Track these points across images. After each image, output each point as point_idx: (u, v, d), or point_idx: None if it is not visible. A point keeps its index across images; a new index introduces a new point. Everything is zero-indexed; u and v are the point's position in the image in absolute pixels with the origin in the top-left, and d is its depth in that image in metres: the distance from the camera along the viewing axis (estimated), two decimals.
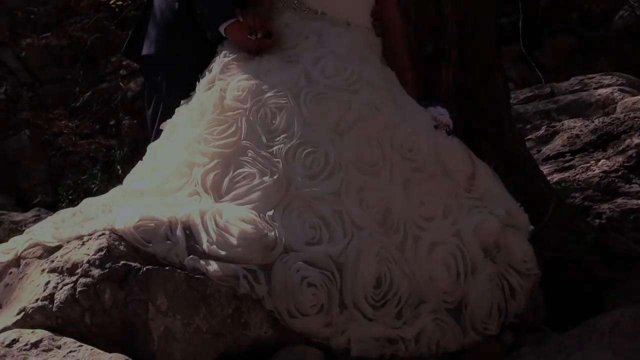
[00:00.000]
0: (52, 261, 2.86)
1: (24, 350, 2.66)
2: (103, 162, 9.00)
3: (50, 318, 2.76)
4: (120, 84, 10.22)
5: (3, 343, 2.66)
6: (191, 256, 2.84)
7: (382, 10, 3.79)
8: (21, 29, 10.43)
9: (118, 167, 8.55)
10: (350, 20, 3.62)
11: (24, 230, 3.36)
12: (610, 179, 5.19)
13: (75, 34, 10.65)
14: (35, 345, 2.67)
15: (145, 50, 3.74)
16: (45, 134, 9.50)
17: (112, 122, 9.84)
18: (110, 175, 8.51)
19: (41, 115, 9.73)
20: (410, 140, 3.31)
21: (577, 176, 5.32)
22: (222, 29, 3.47)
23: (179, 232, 2.88)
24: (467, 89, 4.42)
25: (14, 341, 2.68)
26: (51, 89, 10.14)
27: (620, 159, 5.34)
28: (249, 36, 3.43)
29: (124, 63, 10.09)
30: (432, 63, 4.38)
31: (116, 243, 2.84)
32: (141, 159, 3.49)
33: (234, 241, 2.87)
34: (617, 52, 10.76)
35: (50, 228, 3.04)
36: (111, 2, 11.11)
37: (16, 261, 3.01)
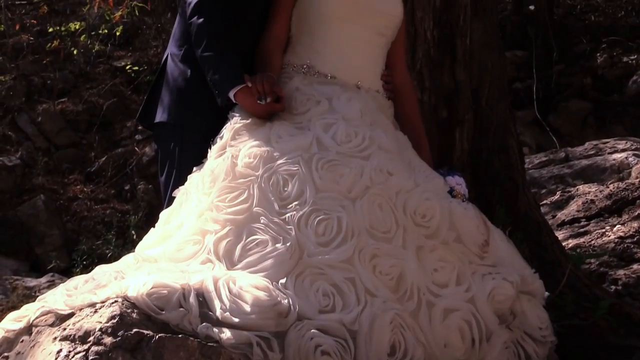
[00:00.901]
0: (64, 329, 2.83)
1: None
2: (118, 227, 9.01)
3: None
4: (136, 148, 10.29)
5: None
6: (204, 324, 2.81)
7: (392, 74, 3.82)
8: (37, 95, 10.55)
9: (133, 232, 8.55)
10: (361, 83, 3.64)
11: (37, 296, 3.35)
12: (625, 245, 5.16)
13: (91, 99, 10.76)
14: None
15: (158, 117, 3.76)
16: (60, 199, 9.55)
17: (127, 187, 9.88)
18: (125, 240, 8.51)
19: (56, 180, 9.79)
20: (423, 206, 3.30)
21: (593, 242, 5.29)
22: (231, 94, 3.48)
23: (192, 299, 2.85)
24: (482, 154, 4.43)
25: None
26: (66, 154, 10.22)
27: (635, 224, 5.31)
28: (258, 101, 3.43)
29: (139, 128, 10.17)
30: (446, 128, 4.40)
31: (129, 310, 2.81)
32: (155, 225, 3.49)
33: (247, 308, 2.85)
34: (631, 116, 10.81)
35: (63, 295, 3.02)
36: (127, 67, 11.24)
37: (28, 329, 2.99)
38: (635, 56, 11.47)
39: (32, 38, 10.71)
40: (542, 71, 11.45)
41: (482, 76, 4.53)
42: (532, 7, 12.81)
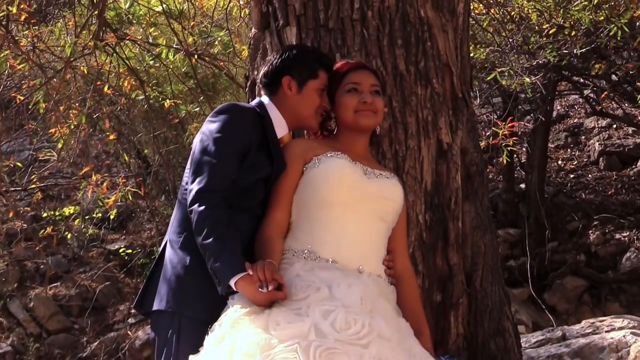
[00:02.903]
0: None
1: None
2: None
3: None
4: (129, 332, 10.19)
5: None
6: None
7: (394, 259, 3.82)
8: (30, 280, 10.53)
9: None
10: (362, 268, 3.63)
11: None
12: None
13: (83, 283, 10.75)
14: None
15: (156, 305, 3.74)
16: None
17: None
18: None
19: None
20: None
21: None
22: (232, 282, 3.47)
23: None
24: (478, 338, 4.39)
25: None
26: (58, 339, 10.12)
27: None
28: (259, 289, 3.41)
29: (132, 311, 10.10)
30: (441, 312, 4.38)
31: None
32: None
33: None
34: (626, 293, 10.80)
35: None
36: (121, 250, 11.29)
37: None
38: (628, 233, 11.58)
39: (25, 225, 10.78)
40: (535, 249, 11.54)
41: (476, 259, 4.55)
42: (522, 186, 13.03)
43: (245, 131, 3.72)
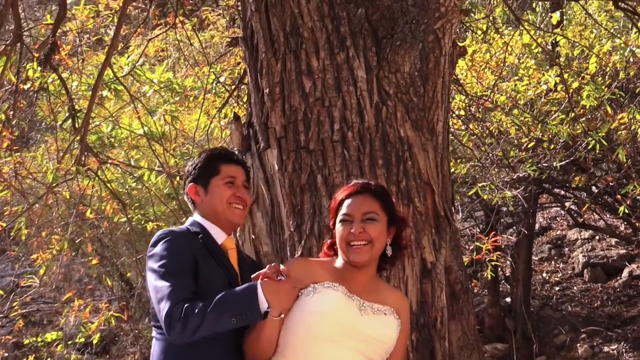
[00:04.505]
0: None
1: None
2: None
3: None
4: None
5: None
6: None
7: None
8: None
9: None
10: None
11: None
12: None
13: None
14: None
15: None
16: None
17: None
18: None
19: None
20: None
21: None
22: (259, 293, 3.48)
23: None
24: None
25: None
26: None
27: None
28: (278, 279, 3.49)
29: None
30: None
31: None
32: None
33: None
34: None
35: None
36: None
37: None
38: (616, 345, 11.49)
39: (7, 353, 10.62)
40: None
41: None
42: (508, 300, 12.97)
43: (183, 248, 3.73)
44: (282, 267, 3.56)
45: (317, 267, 3.76)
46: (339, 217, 3.73)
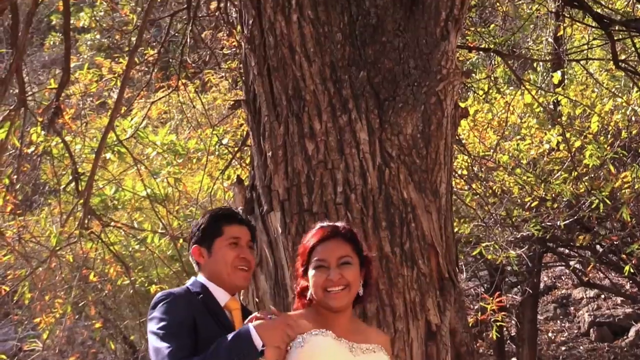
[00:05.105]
0: None
1: None
2: None
3: None
4: None
5: None
6: None
7: None
8: None
9: None
10: None
11: None
12: None
13: None
14: None
15: None
16: None
17: None
18: None
19: None
20: None
21: None
22: (254, 334, 3.48)
23: None
24: None
25: None
26: None
27: None
28: (270, 318, 3.50)
29: None
30: None
31: None
32: None
33: None
34: None
35: None
36: None
37: None
38: None
39: None
40: None
41: None
42: None
43: (181, 309, 3.73)
44: (273, 308, 3.57)
45: (299, 320, 3.71)
46: (313, 264, 3.68)
